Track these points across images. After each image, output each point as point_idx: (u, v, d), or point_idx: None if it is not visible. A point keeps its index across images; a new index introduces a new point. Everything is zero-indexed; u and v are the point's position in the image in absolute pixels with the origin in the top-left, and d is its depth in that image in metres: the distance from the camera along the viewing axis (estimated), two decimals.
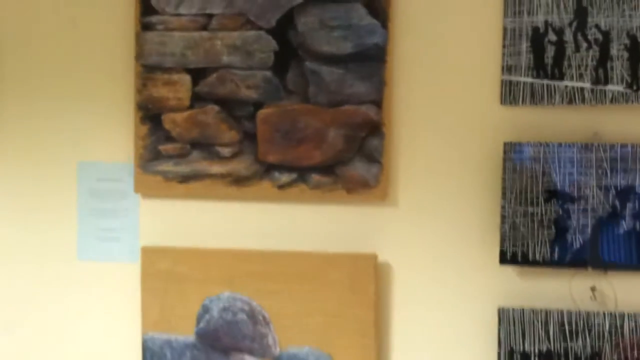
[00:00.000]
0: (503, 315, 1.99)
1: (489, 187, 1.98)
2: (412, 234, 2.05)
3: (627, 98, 1.86)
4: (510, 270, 1.99)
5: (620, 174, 1.88)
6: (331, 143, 2.05)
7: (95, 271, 2.22)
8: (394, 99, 2.02)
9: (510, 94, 1.94)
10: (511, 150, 1.94)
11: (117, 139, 2.19)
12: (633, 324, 1.92)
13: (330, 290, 2.08)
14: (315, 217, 2.10)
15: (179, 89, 2.12)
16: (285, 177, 2.09)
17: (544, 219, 1.93)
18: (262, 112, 2.09)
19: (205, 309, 2.13)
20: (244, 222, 2.14)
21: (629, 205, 1.88)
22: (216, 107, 2.11)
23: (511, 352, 1.99)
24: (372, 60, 2.01)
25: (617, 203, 1.89)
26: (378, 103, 2.02)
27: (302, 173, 2.08)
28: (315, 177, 2.07)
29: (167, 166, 2.16)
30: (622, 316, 1.93)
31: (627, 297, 1.93)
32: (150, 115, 2.14)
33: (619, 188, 1.89)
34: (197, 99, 2.12)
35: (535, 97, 1.92)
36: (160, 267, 2.16)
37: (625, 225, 1.89)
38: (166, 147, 2.15)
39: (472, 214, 2.00)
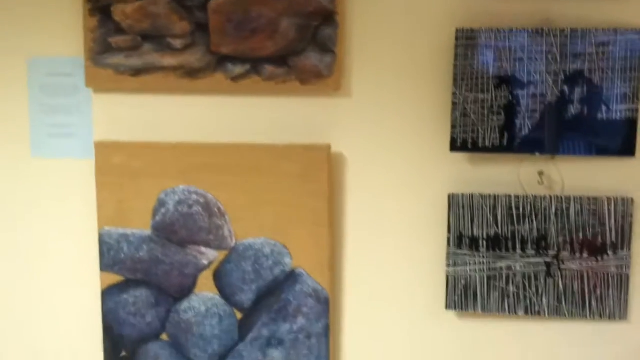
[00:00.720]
0: (453, 201, 1.99)
1: (441, 74, 1.95)
2: (365, 124, 2.02)
3: None
4: (460, 157, 1.98)
5: (569, 59, 1.86)
6: (284, 33, 2.00)
7: (49, 168, 2.17)
8: None
9: None
10: (463, 37, 1.90)
11: (66, 32, 2.10)
12: (579, 206, 1.94)
13: (285, 181, 2.05)
14: (269, 109, 2.06)
15: None
16: (238, 69, 2.04)
17: (494, 105, 1.91)
18: (214, 2, 2.02)
19: (161, 203, 2.10)
20: (197, 115, 2.09)
21: (577, 90, 1.87)
22: None
23: (460, 237, 2.00)
24: None
25: (566, 88, 1.88)
26: None
27: (255, 64, 2.03)
28: (268, 68, 2.02)
29: (118, 59, 2.09)
30: (568, 199, 1.94)
31: (573, 181, 1.94)
32: (100, 6, 2.06)
33: (568, 73, 1.87)
34: None
35: None
36: (115, 162, 2.11)
37: (573, 110, 1.88)
38: (116, 40, 2.08)
39: (424, 102, 1.98)
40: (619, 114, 1.87)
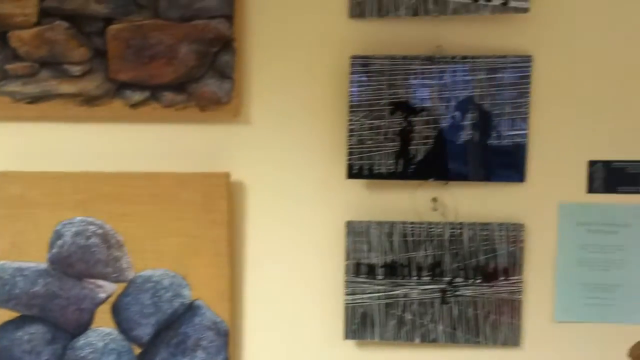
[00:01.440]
0: (350, 229, 1.94)
1: (337, 101, 1.92)
2: (265, 151, 1.97)
3: (467, 9, 1.83)
4: (357, 184, 1.94)
5: (460, 85, 1.86)
6: (183, 59, 1.95)
7: None
8: (246, 13, 1.93)
9: (358, 7, 1.89)
10: (358, 64, 1.89)
11: None
12: (472, 232, 1.91)
13: (184, 210, 1.98)
14: (169, 137, 1.99)
15: (25, 4, 1.96)
16: (137, 96, 1.98)
17: (389, 132, 1.89)
18: (113, 28, 1.96)
19: (58, 235, 2.00)
20: (95, 143, 2.01)
21: (469, 116, 1.86)
22: (65, 24, 1.96)
23: (357, 265, 1.95)
24: None
25: (458, 114, 1.87)
26: (229, 17, 1.92)
27: (154, 91, 1.97)
28: (167, 95, 1.96)
29: (16, 86, 2.00)
30: (461, 225, 1.91)
31: (466, 207, 1.92)
32: None
33: (459, 99, 1.86)
34: (45, 15, 1.96)
35: (381, 10, 1.87)
36: (11, 193, 2.01)
37: (465, 136, 1.87)
38: (13, 67, 2.00)
39: (321, 129, 1.95)
40: (509, 139, 1.86)
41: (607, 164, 1.87)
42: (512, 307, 1.92)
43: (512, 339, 1.93)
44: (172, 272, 1.99)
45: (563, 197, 1.88)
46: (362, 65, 1.88)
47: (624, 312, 1.89)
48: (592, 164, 1.87)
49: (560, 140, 1.87)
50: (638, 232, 1.87)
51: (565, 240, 1.90)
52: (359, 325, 1.96)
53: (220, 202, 1.97)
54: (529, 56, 1.84)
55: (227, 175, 1.98)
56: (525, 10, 1.81)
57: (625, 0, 1.84)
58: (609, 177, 1.87)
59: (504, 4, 1.82)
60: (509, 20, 1.83)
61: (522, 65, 1.84)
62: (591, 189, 1.88)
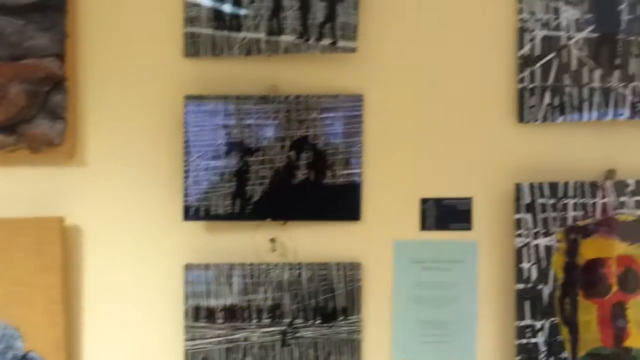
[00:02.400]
0: (188, 272, 1.85)
1: (173, 142, 1.85)
2: (101, 193, 1.87)
3: (298, 48, 1.81)
4: (195, 226, 1.86)
5: (295, 124, 1.82)
6: (13, 100, 1.83)
7: None
8: (78, 52, 1.85)
9: (192, 46, 1.83)
10: (192, 104, 1.82)
11: None
12: (310, 272, 1.86)
13: (16, 257, 1.84)
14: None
15: None
16: None
17: (225, 172, 1.82)
18: None
19: None
20: None
21: (304, 156, 1.82)
22: None
23: (197, 308, 1.85)
24: (52, 11, 1.83)
25: (293, 154, 1.83)
26: (60, 56, 1.83)
27: None
28: None
29: None
30: (299, 266, 1.85)
31: (305, 247, 1.86)
32: None
33: (294, 139, 1.82)
34: None
35: (216, 49, 1.82)
36: None
37: (300, 175, 1.83)
38: None
39: (157, 170, 1.86)
40: (344, 178, 1.83)
41: (438, 201, 1.86)
42: (352, 347, 1.86)
43: None
44: (3, 322, 1.84)
45: (397, 235, 1.85)
46: (197, 105, 1.82)
47: (458, 349, 1.86)
48: (424, 201, 1.86)
49: (393, 178, 1.85)
50: (470, 268, 1.86)
51: (400, 278, 1.87)
52: None
53: (53, 248, 1.85)
54: (360, 95, 1.83)
55: (60, 220, 1.85)
56: (353, 50, 1.81)
57: (449, 41, 1.85)
58: (440, 214, 1.86)
59: (333, 43, 1.80)
60: (340, 60, 1.82)
61: (353, 105, 1.83)
62: (424, 227, 1.86)
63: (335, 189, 1.83)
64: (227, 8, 1.80)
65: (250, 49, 1.82)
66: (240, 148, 1.83)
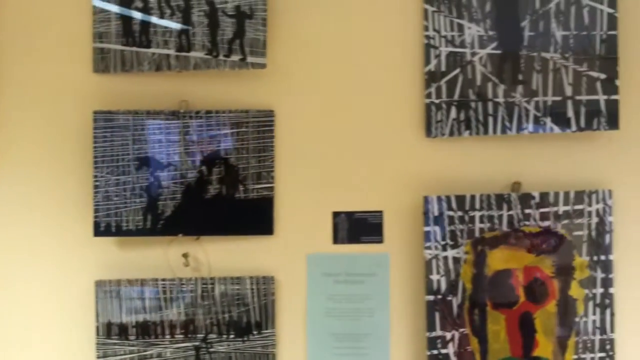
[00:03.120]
0: (99, 288, 1.81)
1: (82, 158, 1.81)
2: (9, 210, 1.81)
3: (208, 64, 1.80)
4: (107, 242, 1.82)
5: (206, 140, 1.80)
6: None
7: None
8: None
9: (102, 62, 1.80)
10: (101, 119, 1.79)
11: None
12: (223, 287, 1.83)
13: None
14: None
15: None
16: None
17: (135, 187, 1.79)
18: None
19: None
20: None
21: (215, 171, 1.80)
22: None
23: (109, 325, 1.81)
24: None
25: (205, 169, 1.81)
26: None
27: None
28: None
29: None
30: (213, 281, 1.83)
31: (219, 262, 1.84)
32: None
33: (205, 154, 1.80)
34: None
35: (125, 64, 1.79)
36: None
37: (212, 190, 1.81)
38: None
39: (67, 186, 1.82)
40: (256, 193, 1.82)
41: (349, 215, 1.86)
42: None
43: None
44: None
45: (310, 249, 1.85)
46: (106, 120, 1.79)
47: None
48: (336, 215, 1.85)
49: (305, 192, 1.84)
50: (382, 280, 1.86)
51: (314, 291, 1.86)
52: None
53: None
54: (271, 111, 1.82)
55: None
56: (262, 66, 1.80)
57: (357, 58, 1.85)
58: (352, 227, 1.86)
59: (242, 59, 1.79)
60: (250, 76, 1.81)
61: (264, 120, 1.82)
62: (336, 240, 1.85)
63: (247, 203, 1.82)
64: (137, 24, 1.77)
65: (159, 65, 1.80)
66: (150, 163, 1.80)
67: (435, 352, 1.83)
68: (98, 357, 1.81)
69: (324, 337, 1.86)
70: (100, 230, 1.79)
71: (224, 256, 1.84)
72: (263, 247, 1.84)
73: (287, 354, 1.86)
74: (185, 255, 1.83)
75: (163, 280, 1.81)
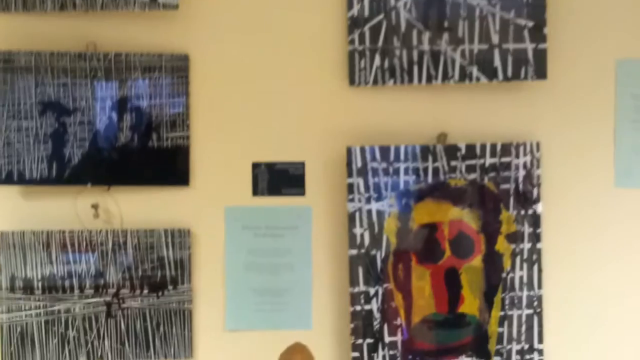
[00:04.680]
0: (2, 240, 1.68)
1: None
2: None
3: (116, 4, 1.66)
4: (9, 191, 1.69)
5: (115, 84, 1.68)
6: None
7: None
8: None
9: (1, 0, 1.65)
10: (0, 60, 1.65)
11: None
12: (136, 240, 1.72)
13: None
14: None
15: None
16: None
17: (39, 133, 1.66)
18: None
19: None
20: None
21: (127, 117, 1.68)
22: None
23: (12, 279, 1.69)
24: None
25: (115, 115, 1.68)
26: None
27: None
28: None
29: None
30: (125, 233, 1.71)
31: (132, 214, 1.73)
32: None
33: (115, 99, 1.68)
34: None
35: (27, 3, 1.65)
36: None
37: (123, 138, 1.69)
38: None
39: None
40: (170, 141, 1.70)
41: (270, 166, 1.75)
42: (183, 318, 1.74)
43: (184, 351, 1.74)
44: None
45: (229, 201, 1.74)
46: (5, 61, 1.65)
47: (293, 317, 1.77)
48: (256, 166, 1.74)
49: (224, 141, 1.74)
50: (304, 234, 1.76)
51: (233, 245, 1.75)
52: (17, 346, 1.69)
53: None
54: (185, 55, 1.69)
55: None
56: (174, 6, 1.67)
57: (278, 1, 1.73)
58: (273, 179, 1.75)
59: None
60: (163, 18, 1.68)
61: (178, 65, 1.69)
62: (256, 192, 1.75)
63: (161, 152, 1.70)
64: None
65: (64, 4, 1.66)
66: (56, 108, 1.66)
67: (358, 307, 1.75)
68: (1, 313, 1.68)
69: (243, 293, 1.76)
70: (1, 178, 1.66)
71: (137, 208, 1.72)
72: (178, 199, 1.73)
73: (205, 310, 1.75)
74: (94, 206, 1.71)
75: (71, 232, 1.69)
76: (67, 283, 1.70)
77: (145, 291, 1.72)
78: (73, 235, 1.70)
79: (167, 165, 1.71)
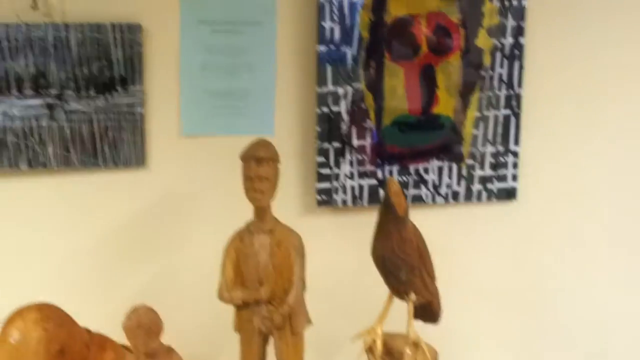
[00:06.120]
0: None
1: None
2: None
3: None
4: None
5: None
6: None
7: None
8: None
9: None
10: None
11: None
12: (80, 35, 1.53)
13: None
14: None
15: None
16: None
17: None
18: None
19: None
20: None
21: None
22: None
23: None
24: None
25: None
26: None
27: None
28: None
29: None
30: (67, 28, 1.52)
31: (76, 6, 1.51)
32: None
33: None
34: None
35: None
36: None
37: None
38: None
39: None
40: None
41: None
42: (134, 121, 1.58)
43: (135, 159, 1.59)
44: None
45: None
46: None
47: (254, 120, 1.62)
48: None
49: None
50: (268, 29, 1.58)
51: (188, 42, 1.58)
52: None
53: None
54: None
55: None
56: None
57: None
58: None
59: None
60: None
61: None
62: None
63: None
64: None
65: None
66: None
67: (325, 109, 1.61)
68: None
69: (199, 95, 1.60)
70: None
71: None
72: None
73: (157, 113, 1.59)
74: None
75: (6, 25, 1.49)
76: (3, 83, 1.52)
77: (92, 92, 1.55)
78: (9, 29, 1.50)
79: None
